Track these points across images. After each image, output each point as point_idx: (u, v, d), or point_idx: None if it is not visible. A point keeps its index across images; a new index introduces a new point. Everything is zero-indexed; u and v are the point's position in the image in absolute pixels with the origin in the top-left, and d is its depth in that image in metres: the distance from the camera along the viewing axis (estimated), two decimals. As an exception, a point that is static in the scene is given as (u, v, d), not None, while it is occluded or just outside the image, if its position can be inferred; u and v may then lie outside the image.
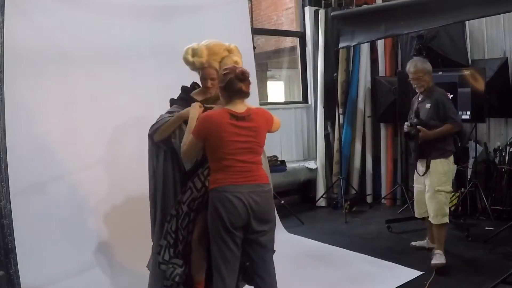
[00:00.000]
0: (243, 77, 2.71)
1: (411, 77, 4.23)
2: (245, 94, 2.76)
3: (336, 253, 4.70)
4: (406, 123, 4.29)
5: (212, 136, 2.68)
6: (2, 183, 2.12)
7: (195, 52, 3.10)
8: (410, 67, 4.25)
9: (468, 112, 5.28)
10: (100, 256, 4.12)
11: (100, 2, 4.40)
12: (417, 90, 4.26)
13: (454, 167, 4.31)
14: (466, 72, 5.27)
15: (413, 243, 4.71)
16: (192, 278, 3.21)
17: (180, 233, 3.16)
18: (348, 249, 4.72)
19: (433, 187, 4.13)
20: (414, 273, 3.98)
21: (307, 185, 6.93)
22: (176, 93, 4.30)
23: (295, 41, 7.54)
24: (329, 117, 6.78)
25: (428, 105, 4.16)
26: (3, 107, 2.07)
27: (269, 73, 10.23)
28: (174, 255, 3.19)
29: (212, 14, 5.13)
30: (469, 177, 5.60)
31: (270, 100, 9.14)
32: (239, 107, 2.74)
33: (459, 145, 5.44)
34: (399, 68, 6.27)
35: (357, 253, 4.60)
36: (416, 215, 4.59)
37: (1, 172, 2.11)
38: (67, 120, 4.19)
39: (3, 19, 2.01)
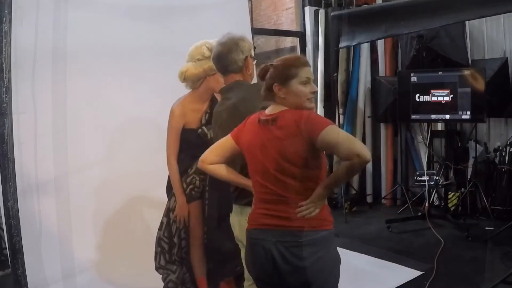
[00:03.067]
0: None
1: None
2: None
3: (336, 253, 4.70)
4: None
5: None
6: (10, 183, 2.12)
7: (211, 47, 3.03)
8: None
9: (468, 112, 5.27)
10: (100, 256, 4.14)
11: (100, 3, 4.41)
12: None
13: None
14: (466, 72, 5.27)
15: None
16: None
17: (173, 239, 3.19)
18: (348, 249, 4.71)
19: None
20: (414, 273, 4.00)
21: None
22: (176, 93, 4.32)
23: (295, 41, 7.54)
24: (329, 117, 6.79)
25: None
26: (11, 107, 2.07)
27: (269, 73, 10.24)
28: (170, 260, 3.23)
29: (212, 14, 5.13)
30: (469, 177, 5.61)
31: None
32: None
33: (459, 145, 5.49)
34: (399, 68, 6.28)
35: (357, 253, 4.62)
36: None
37: (8, 172, 2.11)
38: (68, 120, 4.20)
39: (11, 18, 2.01)
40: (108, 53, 4.40)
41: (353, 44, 5.85)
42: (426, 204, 5.44)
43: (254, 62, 2.60)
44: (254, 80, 2.66)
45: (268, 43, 9.28)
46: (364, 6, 6.25)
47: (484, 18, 5.46)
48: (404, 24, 5.03)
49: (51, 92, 4.03)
